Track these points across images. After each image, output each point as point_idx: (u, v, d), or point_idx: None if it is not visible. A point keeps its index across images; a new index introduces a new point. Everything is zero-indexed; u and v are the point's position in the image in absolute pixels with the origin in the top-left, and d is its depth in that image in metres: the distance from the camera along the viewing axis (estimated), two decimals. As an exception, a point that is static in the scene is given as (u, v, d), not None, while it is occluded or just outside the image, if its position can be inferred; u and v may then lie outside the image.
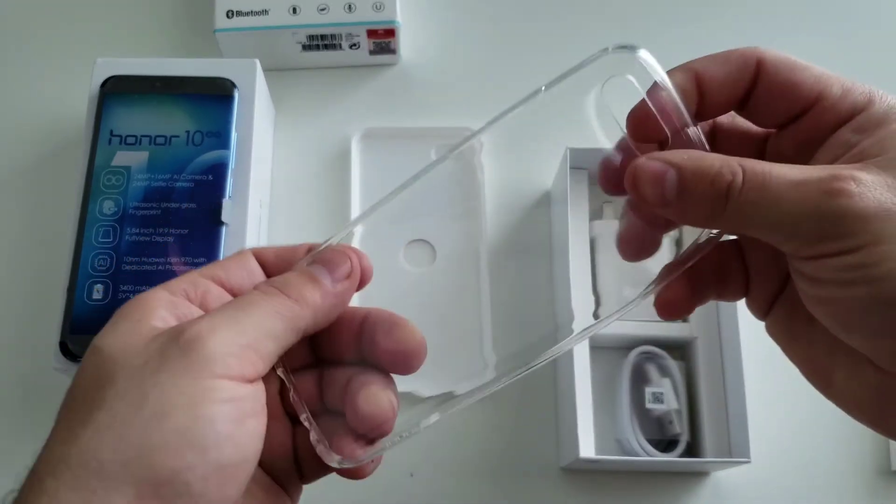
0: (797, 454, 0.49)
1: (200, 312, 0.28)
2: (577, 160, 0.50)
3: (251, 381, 0.26)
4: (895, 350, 0.25)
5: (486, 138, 0.54)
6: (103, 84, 0.48)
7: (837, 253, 0.25)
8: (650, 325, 0.48)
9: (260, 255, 0.31)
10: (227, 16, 0.53)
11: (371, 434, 0.29)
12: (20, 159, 0.54)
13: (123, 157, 0.46)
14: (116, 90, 0.48)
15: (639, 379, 0.48)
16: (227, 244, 0.45)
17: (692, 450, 0.47)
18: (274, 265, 0.31)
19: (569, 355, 0.46)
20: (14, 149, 0.54)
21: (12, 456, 0.48)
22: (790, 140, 0.29)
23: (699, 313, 0.48)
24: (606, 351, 0.49)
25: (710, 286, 0.31)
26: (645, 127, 0.29)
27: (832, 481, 0.49)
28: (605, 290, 0.49)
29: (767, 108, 0.29)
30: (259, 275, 0.30)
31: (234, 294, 0.29)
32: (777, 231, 0.26)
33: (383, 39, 0.55)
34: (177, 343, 0.25)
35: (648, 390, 0.47)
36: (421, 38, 0.58)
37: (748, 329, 0.47)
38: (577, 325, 0.32)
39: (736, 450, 0.45)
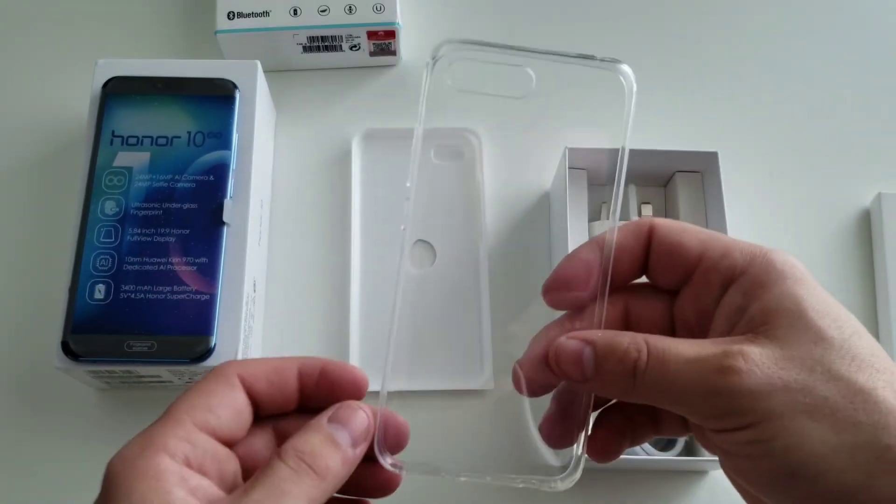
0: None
1: (210, 485, 0.28)
2: (577, 160, 0.50)
3: None
4: None
5: (486, 138, 0.54)
6: (105, 85, 0.48)
7: (735, 428, 0.27)
8: None
9: (248, 384, 0.30)
10: (229, 17, 0.54)
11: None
12: (22, 160, 0.54)
13: (125, 158, 0.46)
14: (118, 91, 0.48)
15: None
16: (228, 244, 0.45)
17: (690, 448, 0.47)
18: (266, 394, 0.30)
19: None
20: (16, 150, 0.55)
21: (13, 455, 0.48)
22: (689, 304, 0.31)
23: None
24: None
25: (647, 427, 0.32)
26: (560, 296, 0.31)
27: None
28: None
29: (661, 270, 0.31)
30: (248, 413, 0.30)
31: (225, 442, 0.29)
32: (680, 406, 0.28)
33: (383, 41, 0.55)
34: None
35: None
36: (421, 40, 0.58)
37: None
38: None
39: None
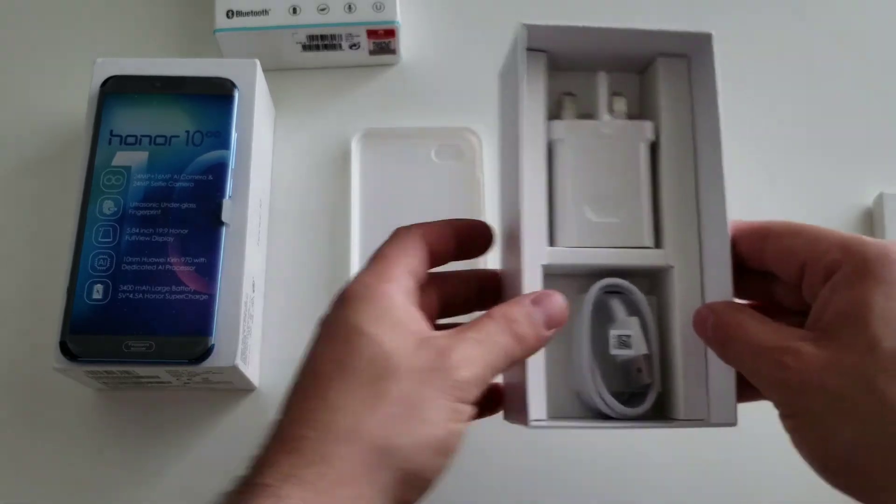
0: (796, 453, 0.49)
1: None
2: (537, 40, 0.39)
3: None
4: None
5: (486, 138, 0.54)
6: (103, 84, 0.48)
7: (783, 414, 0.31)
8: (615, 251, 0.39)
9: (427, 241, 0.36)
10: (227, 16, 0.53)
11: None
12: (20, 159, 0.54)
13: (123, 157, 0.46)
14: (116, 90, 0.48)
15: (601, 317, 0.39)
16: (227, 244, 0.45)
17: (663, 402, 0.39)
18: (436, 252, 0.36)
19: (516, 291, 0.37)
20: (14, 149, 0.54)
21: (11, 455, 0.48)
22: (803, 294, 0.34)
23: (676, 236, 0.40)
24: (561, 282, 0.39)
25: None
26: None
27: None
28: (564, 209, 0.39)
29: (777, 269, 0.35)
30: (427, 265, 0.36)
31: (433, 259, 0.36)
32: (752, 379, 0.33)
33: (383, 39, 0.55)
34: (443, 366, 0.31)
35: (613, 332, 0.38)
36: (421, 38, 0.58)
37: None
38: None
39: (717, 408, 0.37)
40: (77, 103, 0.50)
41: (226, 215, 0.45)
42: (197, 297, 0.44)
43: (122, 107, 0.47)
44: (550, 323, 0.34)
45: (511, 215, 0.39)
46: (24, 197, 0.53)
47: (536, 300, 0.34)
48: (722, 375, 0.37)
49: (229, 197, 0.46)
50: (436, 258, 0.37)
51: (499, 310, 0.34)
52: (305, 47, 0.55)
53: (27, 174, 0.54)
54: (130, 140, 0.47)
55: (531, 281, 0.37)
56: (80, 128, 0.47)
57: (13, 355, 0.50)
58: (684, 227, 0.40)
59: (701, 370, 0.38)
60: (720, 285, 0.37)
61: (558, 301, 0.35)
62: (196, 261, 0.44)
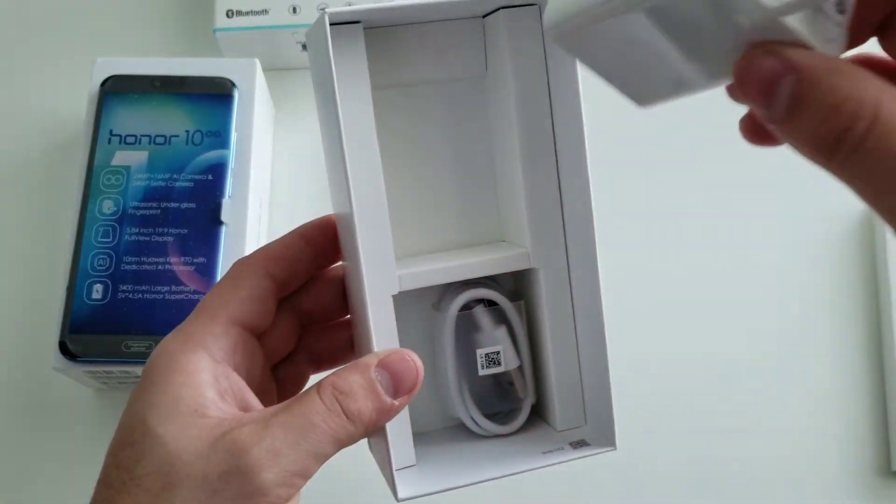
0: (797, 453, 0.49)
1: (240, 386, 0.29)
2: (347, 16, 0.31)
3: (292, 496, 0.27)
4: None
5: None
6: (103, 83, 0.48)
7: None
8: (477, 262, 0.35)
9: (271, 270, 0.32)
10: (227, 15, 0.53)
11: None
12: (20, 158, 0.54)
13: (123, 157, 0.46)
14: (116, 89, 0.48)
15: (468, 326, 0.36)
16: (226, 244, 0.45)
17: (540, 412, 0.37)
18: (283, 276, 0.32)
19: (364, 331, 0.32)
20: (14, 148, 0.54)
21: (11, 455, 0.48)
22: None
23: (539, 236, 0.35)
24: (417, 294, 0.36)
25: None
26: None
27: (832, 481, 0.49)
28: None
29: None
30: (273, 300, 0.32)
31: (255, 331, 0.31)
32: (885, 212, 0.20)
33: (383, 39, 0.55)
34: (238, 468, 0.26)
35: (480, 352, 0.35)
36: (421, 38, 0.58)
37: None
38: None
39: (594, 422, 0.35)
40: (77, 103, 0.50)
41: (225, 215, 0.45)
42: (197, 297, 0.44)
43: (122, 106, 0.47)
44: (400, 390, 0.29)
45: (344, 221, 0.33)
46: (23, 196, 0.53)
47: (382, 363, 0.29)
48: (596, 383, 0.34)
49: (229, 197, 0.46)
50: (292, 278, 0.32)
51: (330, 379, 0.28)
52: (305, 47, 0.55)
53: (27, 174, 0.54)
54: (130, 140, 0.47)
55: (380, 321, 0.32)
56: (80, 127, 0.47)
57: (13, 355, 0.49)
58: (549, 224, 0.35)
59: (574, 375, 0.36)
60: (589, 285, 0.34)
61: (409, 364, 0.29)
62: (196, 261, 0.44)
